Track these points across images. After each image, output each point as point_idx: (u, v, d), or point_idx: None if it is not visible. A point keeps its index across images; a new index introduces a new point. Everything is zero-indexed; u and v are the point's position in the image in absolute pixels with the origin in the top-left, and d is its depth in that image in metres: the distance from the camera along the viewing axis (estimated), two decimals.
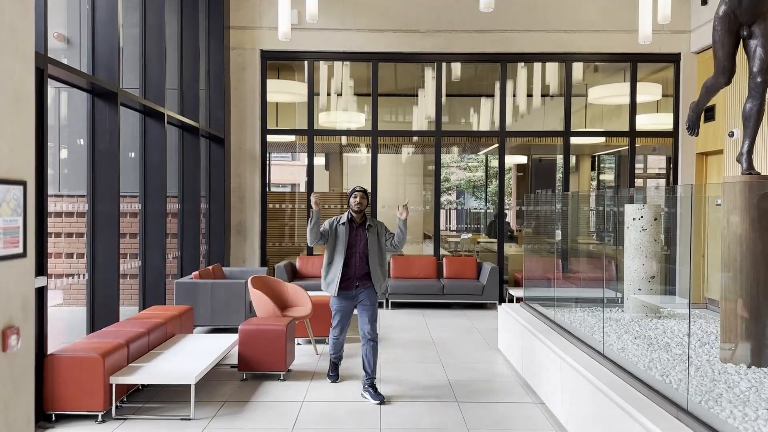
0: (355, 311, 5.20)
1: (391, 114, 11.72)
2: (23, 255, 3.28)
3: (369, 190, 5.59)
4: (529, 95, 10.31)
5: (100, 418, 4.37)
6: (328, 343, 6.74)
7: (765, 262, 4.00)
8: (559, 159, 10.29)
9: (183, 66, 7.93)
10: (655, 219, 5.53)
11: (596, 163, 13.65)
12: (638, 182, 11.89)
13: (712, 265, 5.82)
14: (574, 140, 10.36)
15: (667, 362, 4.03)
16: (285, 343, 5.39)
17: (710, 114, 8.62)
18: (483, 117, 11.18)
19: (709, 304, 5.94)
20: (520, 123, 10.72)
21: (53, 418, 4.35)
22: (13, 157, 3.19)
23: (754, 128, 4.30)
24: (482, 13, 8.19)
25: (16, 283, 3.21)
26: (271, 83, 9.82)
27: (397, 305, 9.13)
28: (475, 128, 11.67)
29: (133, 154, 7.98)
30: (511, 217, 13.40)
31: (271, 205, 9.99)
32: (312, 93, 9.68)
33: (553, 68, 9.89)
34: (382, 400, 4.84)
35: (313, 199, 5.00)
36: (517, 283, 9.43)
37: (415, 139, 11.72)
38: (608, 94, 10.22)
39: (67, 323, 7.94)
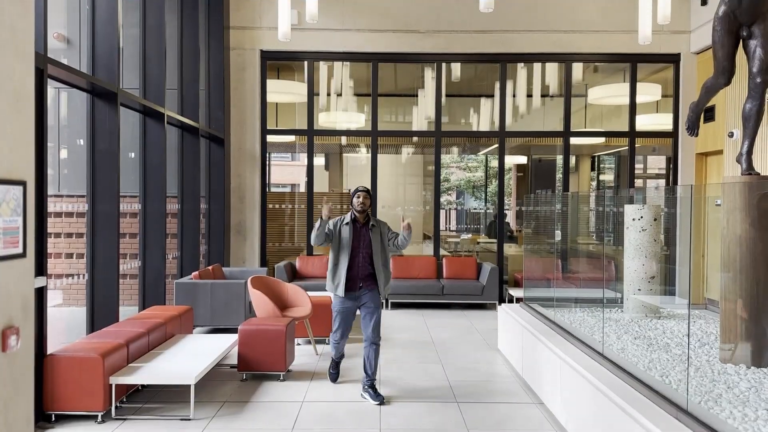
0: (358, 312, 5.18)
1: (391, 114, 11.73)
2: (23, 255, 3.28)
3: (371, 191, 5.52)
4: (529, 95, 10.31)
5: (99, 419, 4.37)
6: (328, 344, 6.76)
7: (765, 263, 4.01)
8: (559, 159, 10.29)
9: (183, 66, 7.93)
10: (655, 219, 5.53)
11: (596, 164, 13.65)
12: (638, 182, 11.90)
13: (712, 266, 5.82)
14: (573, 140, 10.36)
15: (667, 362, 4.04)
16: (285, 343, 5.39)
17: (710, 114, 8.63)
18: (483, 117, 11.19)
19: (708, 304, 5.94)
20: (520, 123, 10.72)
21: (53, 419, 4.35)
22: (13, 157, 3.19)
23: (754, 128, 4.30)
24: (482, 14, 8.19)
25: (15, 284, 3.21)
26: (270, 83, 9.82)
27: (397, 305, 9.13)
28: (474, 128, 11.67)
29: (132, 155, 7.98)
30: (510, 218, 13.41)
31: (270, 206, 9.99)
32: (312, 93, 9.68)
33: (552, 68, 9.89)
34: (381, 400, 4.84)
35: (326, 209, 4.93)
36: (516, 284, 9.43)
37: (415, 139, 11.72)
38: (608, 94, 10.23)
39: (67, 323, 7.94)
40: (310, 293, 6.84)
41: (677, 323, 5.32)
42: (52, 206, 8.57)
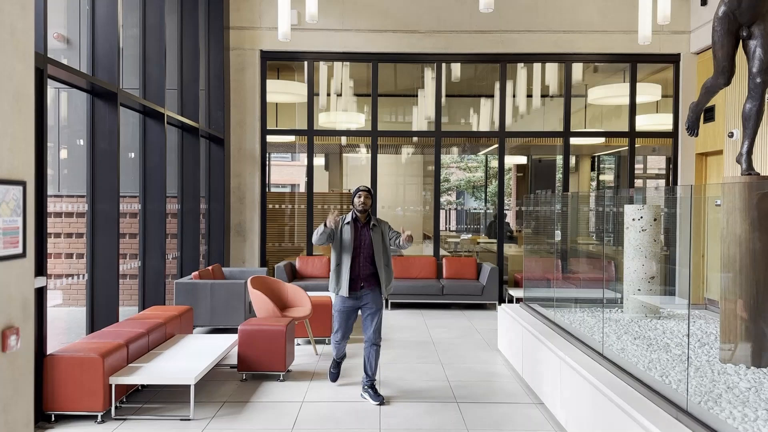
0: (359, 312, 5.16)
1: (391, 114, 11.73)
2: (23, 255, 3.28)
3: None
4: (529, 96, 10.31)
5: (99, 419, 4.37)
6: (328, 344, 6.76)
7: (764, 263, 4.01)
8: (559, 159, 10.30)
9: (183, 66, 7.93)
10: (655, 219, 5.53)
11: (596, 164, 13.65)
12: (638, 183, 11.89)
13: (712, 266, 5.81)
14: (573, 141, 10.36)
15: (667, 363, 4.04)
16: (284, 343, 5.39)
17: (710, 114, 8.63)
18: (483, 117, 11.19)
19: (708, 304, 5.94)
20: (520, 123, 10.72)
21: (53, 419, 4.35)
22: (13, 157, 3.19)
23: (754, 129, 4.30)
24: (482, 14, 8.22)
25: (15, 284, 3.21)
26: (270, 83, 9.82)
27: (396, 305, 9.14)
28: (474, 129, 11.67)
29: (132, 155, 7.98)
30: (510, 218, 13.41)
31: (270, 206, 9.99)
32: (312, 93, 9.68)
33: (552, 69, 9.90)
34: (381, 400, 4.83)
35: (331, 219, 4.80)
36: (516, 284, 9.44)
37: (415, 139, 11.72)
38: (608, 94, 10.23)
39: (67, 323, 7.94)
40: (310, 293, 6.85)
41: (677, 323, 5.32)
42: (52, 206, 8.57)
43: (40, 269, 4.15)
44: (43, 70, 4.36)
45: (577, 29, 9.45)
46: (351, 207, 5.04)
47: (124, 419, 4.44)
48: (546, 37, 9.46)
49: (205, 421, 4.45)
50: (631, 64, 9.56)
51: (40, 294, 4.22)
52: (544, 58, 9.70)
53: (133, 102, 6.20)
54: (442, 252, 10.04)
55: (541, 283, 6.46)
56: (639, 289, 5.61)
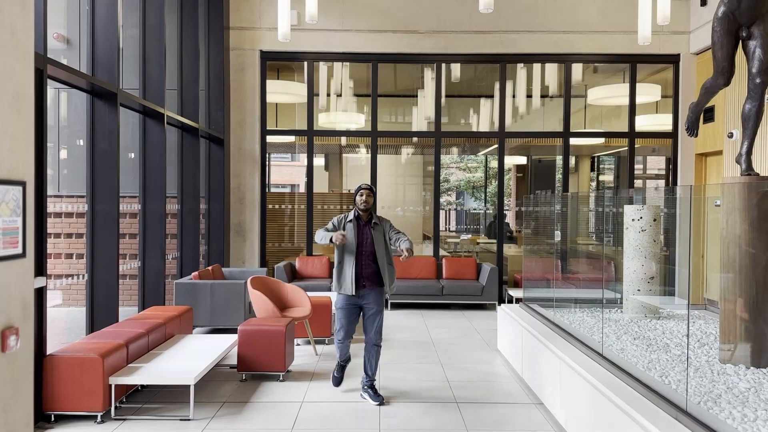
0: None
1: (391, 115, 11.73)
2: (22, 255, 3.28)
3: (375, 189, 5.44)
4: (529, 96, 10.32)
5: (99, 419, 4.37)
6: (327, 344, 6.76)
7: (764, 263, 4.01)
8: (559, 160, 10.30)
9: (183, 66, 7.93)
10: (655, 220, 5.53)
11: (596, 164, 13.65)
12: (638, 183, 11.90)
13: (712, 266, 5.82)
14: (573, 141, 10.36)
15: (667, 363, 4.04)
16: (284, 343, 5.39)
17: (709, 115, 8.63)
18: (482, 118, 11.19)
19: (708, 304, 5.94)
20: (520, 124, 10.72)
21: (52, 419, 4.35)
22: (13, 158, 3.19)
23: (753, 129, 4.30)
24: (482, 14, 8.21)
25: (15, 284, 3.21)
26: (270, 84, 9.83)
27: (396, 306, 9.14)
28: (474, 129, 11.68)
29: (132, 155, 7.98)
30: (510, 218, 13.41)
31: (270, 206, 9.99)
32: (312, 94, 9.68)
33: (552, 69, 9.90)
34: (381, 401, 4.83)
35: (338, 237, 4.72)
36: (516, 284, 9.44)
37: (415, 139, 11.72)
38: (608, 94, 10.23)
39: (67, 324, 7.94)
40: (310, 293, 6.85)
41: (677, 324, 5.32)
42: (51, 206, 8.58)
43: (40, 269, 4.15)
44: (43, 70, 4.36)
45: (576, 29, 9.45)
46: (352, 206, 5.02)
47: (124, 419, 4.44)
48: (546, 38, 9.46)
49: (205, 421, 4.45)
50: (631, 64, 9.57)
51: (40, 294, 4.22)
52: (544, 58, 9.70)
53: (133, 102, 6.20)
54: (441, 252, 10.04)
55: (541, 284, 6.46)
56: (638, 290, 5.61)
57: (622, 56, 9.55)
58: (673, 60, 9.51)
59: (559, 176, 10.42)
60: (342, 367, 5.16)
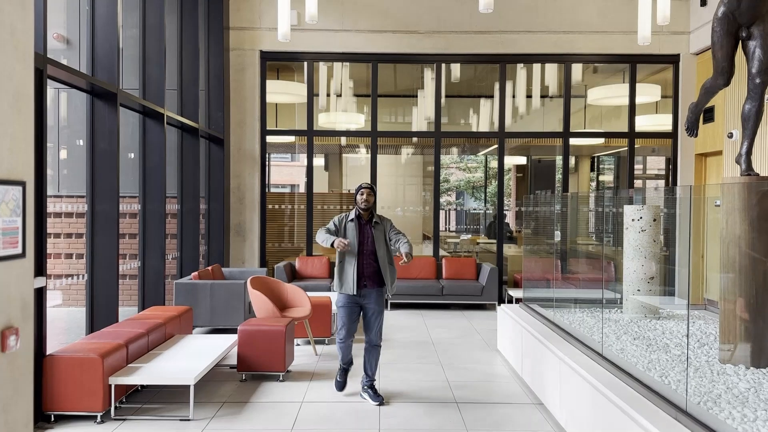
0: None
1: (391, 115, 11.73)
2: (22, 255, 3.28)
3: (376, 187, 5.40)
4: (529, 96, 10.32)
5: (99, 419, 4.37)
6: (327, 344, 6.76)
7: (763, 263, 4.01)
8: (559, 160, 10.30)
9: (182, 67, 7.93)
10: (654, 220, 5.53)
11: (596, 164, 13.66)
12: (637, 183, 11.91)
13: (711, 266, 5.82)
14: (573, 141, 10.37)
15: (666, 363, 4.04)
16: (284, 343, 5.39)
17: (709, 115, 8.64)
18: (482, 118, 11.19)
19: (708, 305, 5.94)
20: (520, 124, 10.73)
21: (52, 419, 4.35)
22: (13, 158, 3.19)
23: (753, 129, 4.30)
24: (482, 14, 8.21)
25: (15, 284, 3.21)
26: (270, 84, 9.83)
27: (396, 306, 9.14)
28: (474, 129, 11.68)
29: (132, 155, 7.98)
30: (510, 218, 13.42)
31: (270, 206, 9.99)
32: (311, 94, 9.68)
33: (552, 69, 9.90)
34: (381, 401, 4.83)
35: (340, 244, 4.69)
36: (516, 284, 9.44)
37: (415, 140, 11.73)
38: (607, 95, 10.23)
39: (67, 324, 7.94)
40: (310, 294, 6.85)
41: (676, 324, 5.32)
42: (51, 206, 8.58)
43: (40, 269, 4.15)
44: (43, 70, 4.36)
45: (576, 30, 9.45)
46: (353, 206, 5.00)
47: (124, 419, 4.44)
48: (546, 38, 9.47)
49: (205, 421, 4.45)
50: (631, 64, 9.57)
51: (40, 294, 4.22)
52: (544, 58, 9.70)
53: (132, 102, 6.20)
54: (441, 252, 10.04)
55: (541, 284, 6.46)
56: (638, 290, 5.61)
57: (621, 56, 9.55)
58: (673, 60, 9.52)
59: (558, 176, 10.42)
60: (345, 372, 5.09)
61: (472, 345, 6.89)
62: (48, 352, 4.38)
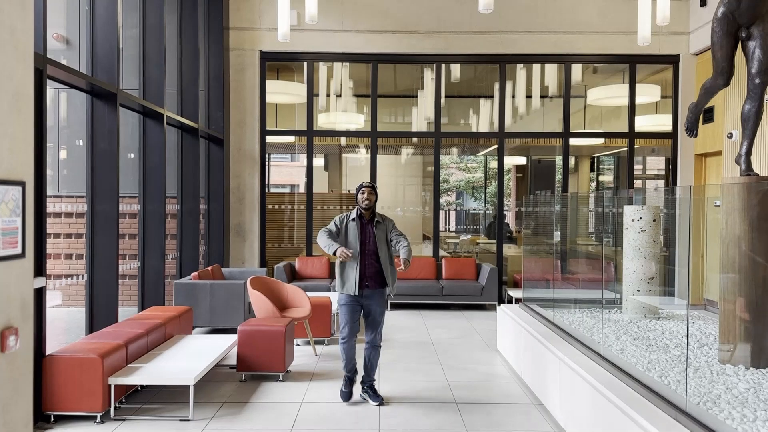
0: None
1: (391, 115, 11.73)
2: (22, 256, 3.28)
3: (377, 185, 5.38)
4: (529, 96, 10.32)
5: (98, 419, 4.36)
6: (327, 344, 6.76)
7: (763, 264, 4.01)
8: (559, 160, 10.30)
9: (182, 67, 7.93)
10: (654, 220, 5.54)
11: (595, 165, 13.66)
12: (637, 183, 11.90)
13: (711, 267, 5.82)
14: (573, 141, 10.37)
15: (666, 363, 4.04)
16: (284, 343, 5.39)
17: (709, 115, 8.64)
18: (482, 118, 11.19)
19: (707, 305, 5.94)
20: (520, 124, 10.73)
21: (52, 419, 4.34)
22: (12, 158, 3.19)
23: (753, 129, 4.30)
24: (482, 15, 8.22)
25: (15, 284, 3.21)
26: (270, 84, 9.83)
27: (396, 306, 9.14)
28: (474, 129, 11.68)
29: (132, 155, 7.98)
30: (510, 219, 13.42)
31: (270, 206, 10.00)
32: (311, 94, 9.69)
33: (552, 69, 9.90)
34: (381, 401, 4.83)
35: (341, 253, 4.62)
36: (516, 284, 9.44)
37: (415, 140, 11.73)
38: (607, 95, 10.24)
39: (66, 324, 7.94)
40: (310, 294, 6.85)
41: (676, 324, 5.33)
42: (51, 207, 8.58)
43: (40, 269, 4.15)
44: (43, 70, 4.36)
45: (576, 30, 9.46)
46: (354, 205, 4.97)
47: (124, 420, 4.44)
48: (545, 38, 9.47)
49: (205, 421, 4.45)
50: (631, 64, 9.57)
51: (40, 294, 4.21)
52: (544, 58, 9.71)
53: (132, 102, 6.21)
54: (441, 252, 10.04)
55: (541, 284, 6.46)
56: (638, 290, 5.61)
57: (621, 57, 9.55)
58: (673, 60, 9.52)
59: (558, 176, 10.42)
60: (350, 382, 4.95)
61: (472, 345, 6.89)
62: (48, 352, 4.38)
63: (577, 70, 9.88)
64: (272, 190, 11.40)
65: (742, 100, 4.40)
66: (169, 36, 7.36)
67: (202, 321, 7.06)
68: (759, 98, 4.24)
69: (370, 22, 9.45)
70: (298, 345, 6.68)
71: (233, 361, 5.74)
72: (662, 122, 10.02)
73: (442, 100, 9.72)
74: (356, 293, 4.75)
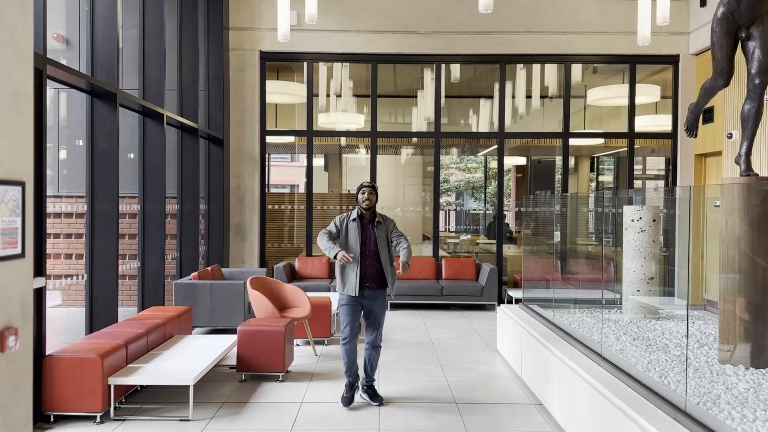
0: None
1: (391, 115, 11.74)
2: (22, 256, 3.28)
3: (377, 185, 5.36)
4: (528, 96, 10.33)
5: (98, 419, 4.36)
6: (327, 344, 6.76)
7: (763, 264, 4.01)
8: (558, 160, 10.30)
9: (182, 67, 7.93)
10: (654, 220, 5.54)
11: (595, 165, 13.67)
12: (637, 183, 11.91)
13: (711, 267, 5.82)
14: (573, 141, 10.37)
15: (666, 363, 4.04)
16: (284, 344, 5.39)
17: (709, 115, 8.64)
18: (482, 118, 11.20)
19: (707, 305, 5.94)
20: (519, 124, 10.73)
21: (52, 419, 4.34)
22: (12, 158, 3.19)
23: (753, 130, 4.30)
24: (481, 15, 8.22)
25: (14, 284, 3.21)
26: (270, 84, 9.83)
27: (396, 306, 9.14)
28: (474, 129, 11.68)
29: (132, 155, 7.98)
30: (510, 219, 13.42)
31: (270, 206, 10.00)
32: (311, 94, 9.69)
33: (552, 69, 9.91)
34: (380, 401, 4.83)
35: (342, 257, 4.61)
36: (516, 285, 9.44)
37: (415, 140, 11.73)
38: (607, 95, 10.24)
39: (66, 324, 7.94)
40: (309, 294, 6.85)
41: (676, 324, 5.33)
42: (51, 207, 8.57)
43: (39, 270, 4.15)
44: (43, 70, 4.36)
45: (576, 30, 9.46)
46: (354, 205, 4.95)
47: (123, 420, 4.44)
48: (545, 38, 9.47)
49: (204, 421, 4.45)
50: (631, 65, 9.58)
51: (39, 294, 4.21)
52: (544, 58, 9.71)
53: (132, 102, 6.21)
54: (441, 253, 10.04)
55: (541, 284, 6.46)
56: (638, 290, 5.61)
57: (621, 57, 9.55)
58: (673, 60, 9.52)
59: (558, 177, 10.42)
60: (352, 387, 4.89)
61: (472, 345, 6.89)
62: (47, 353, 4.38)
63: (576, 70, 9.88)
64: (272, 190, 11.40)
65: (742, 100, 4.40)
66: (169, 36, 7.36)
67: (201, 321, 7.06)
68: (759, 98, 4.24)
69: (369, 22, 9.45)
70: (297, 345, 6.68)
71: (233, 361, 5.74)
72: (662, 122, 10.03)
73: (442, 100, 9.72)
74: (357, 294, 4.73)
